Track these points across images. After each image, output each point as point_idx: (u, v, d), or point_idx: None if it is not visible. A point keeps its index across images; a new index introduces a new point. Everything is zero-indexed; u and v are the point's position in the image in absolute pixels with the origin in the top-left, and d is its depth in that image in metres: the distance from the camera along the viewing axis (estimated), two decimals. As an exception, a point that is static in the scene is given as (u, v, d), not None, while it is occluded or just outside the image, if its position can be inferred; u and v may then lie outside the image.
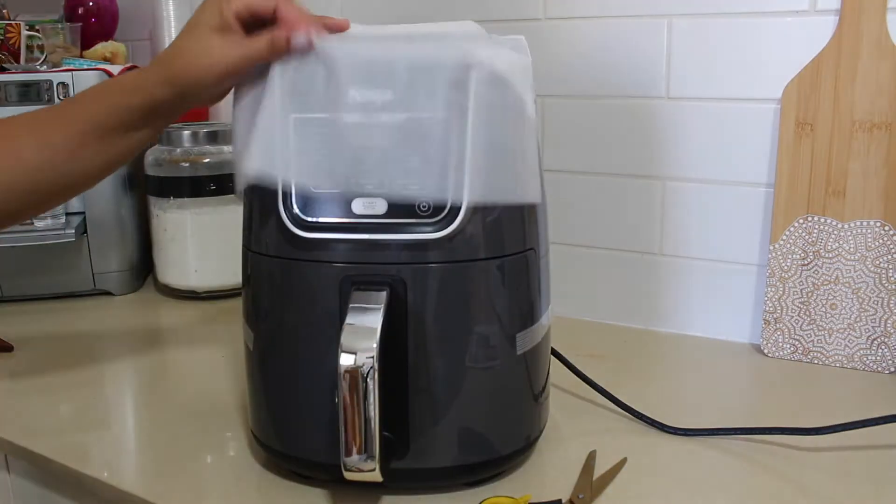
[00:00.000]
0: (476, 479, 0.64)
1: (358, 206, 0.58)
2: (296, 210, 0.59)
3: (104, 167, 0.64)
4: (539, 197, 0.63)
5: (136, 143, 0.64)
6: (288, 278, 0.61)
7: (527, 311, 0.64)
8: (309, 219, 0.59)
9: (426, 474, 0.62)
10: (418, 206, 0.58)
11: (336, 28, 0.60)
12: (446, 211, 0.57)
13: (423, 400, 0.60)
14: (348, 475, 0.56)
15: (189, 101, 0.62)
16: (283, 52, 0.57)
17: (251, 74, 0.60)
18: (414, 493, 0.63)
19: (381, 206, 0.58)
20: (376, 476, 0.56)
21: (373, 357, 0.54)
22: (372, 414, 0.55)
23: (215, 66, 0.59)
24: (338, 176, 0.58)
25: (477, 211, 0.58)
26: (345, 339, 0.55)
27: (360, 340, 0.55)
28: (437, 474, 0.62)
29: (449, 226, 0.57)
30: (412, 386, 0.60)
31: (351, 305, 0.57)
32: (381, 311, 0.57)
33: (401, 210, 0.58)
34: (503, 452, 0.64)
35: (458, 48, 0.57)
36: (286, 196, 0.59)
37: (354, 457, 0.55)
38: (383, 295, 0.58)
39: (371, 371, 0.54)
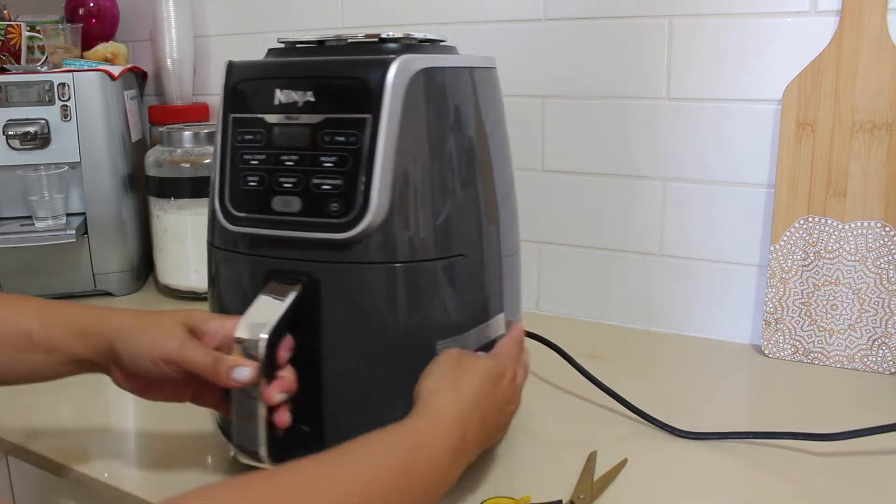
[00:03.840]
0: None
1: (277, 204, 0.59)
2: (227, 204, 0.62)
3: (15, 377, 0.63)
4: None
5: (47, 373, 0.63)
6: (224, 270, 0.65)
7: (446, 319, 0.62)
8: (237, 213, 0.61)
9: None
10: (330, 206, 0.58)
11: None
12: (356, 212, 0.57)
13: (336, 396, 0.61)
14: (241, 457, 0.57)
15: (118, 362, 0.60)
16: (220, 378, 0.56)
17: None
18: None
19: (296, 205, 0.59)
20: (264, 459, 0.56)
21: (264, 344, 0.55)
22: (258, 395, 0.56)
23: (159, 347, 0.57)
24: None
25: (391, 215, 0.58)
26: (241, 323, 0.57)
27: (257, 328, 0.56)
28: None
29: (355, 227, 0.57)
30: (326, 381, 0.60)
31: (259, 295, 0.59)
32: (286, 303, 0.57)
33: (314, 209, 0.58)
34: None
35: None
36: (222, 190, 0.62)
37: (244, 438, 0.57)
38: (293, 288, 0.58)
39: (262, 356, 0.55)
